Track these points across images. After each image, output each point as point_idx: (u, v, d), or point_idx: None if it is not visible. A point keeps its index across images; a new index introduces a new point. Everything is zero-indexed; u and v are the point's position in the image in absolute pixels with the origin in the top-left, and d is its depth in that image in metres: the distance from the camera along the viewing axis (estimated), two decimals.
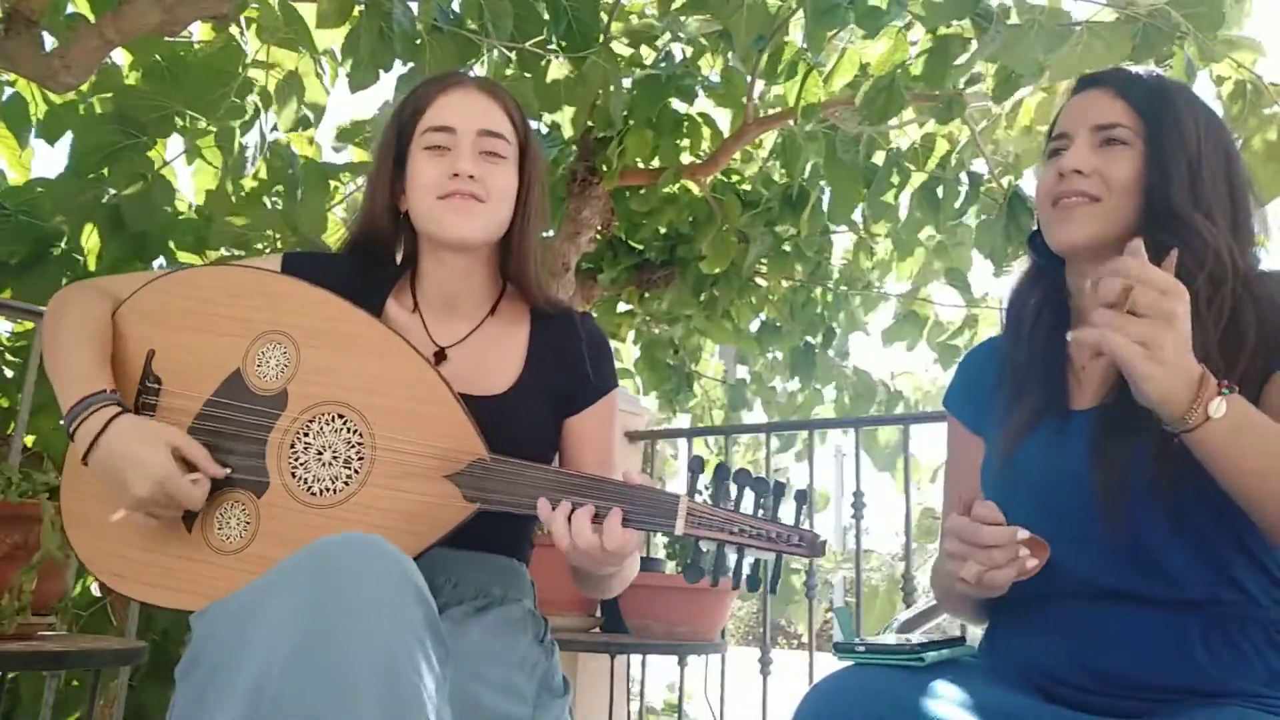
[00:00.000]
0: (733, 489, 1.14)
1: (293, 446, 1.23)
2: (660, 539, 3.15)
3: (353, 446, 1.22)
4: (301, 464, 1.22)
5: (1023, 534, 1.05)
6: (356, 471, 1.21)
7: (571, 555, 1.15)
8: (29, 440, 2.06)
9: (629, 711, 3.24)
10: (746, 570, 1.14)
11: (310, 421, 1.23)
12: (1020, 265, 1.37)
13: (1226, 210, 1.18)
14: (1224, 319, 1.11)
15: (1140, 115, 1.20)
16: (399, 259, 1.43)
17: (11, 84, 2.89)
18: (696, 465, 1.17)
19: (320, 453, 1.22)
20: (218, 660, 0.97)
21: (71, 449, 1.28)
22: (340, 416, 1.23)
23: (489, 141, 1.34)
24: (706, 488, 1.15)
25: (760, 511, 1.13)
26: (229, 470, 1.22)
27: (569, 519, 1.13)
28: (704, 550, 1.13)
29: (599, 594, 1.41)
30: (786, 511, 1.14)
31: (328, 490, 1.21)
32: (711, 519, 1.12)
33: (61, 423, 1.23)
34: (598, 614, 2.70)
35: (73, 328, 1.28)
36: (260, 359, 1.27)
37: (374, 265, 1.41)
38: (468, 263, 1.38)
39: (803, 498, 1.15)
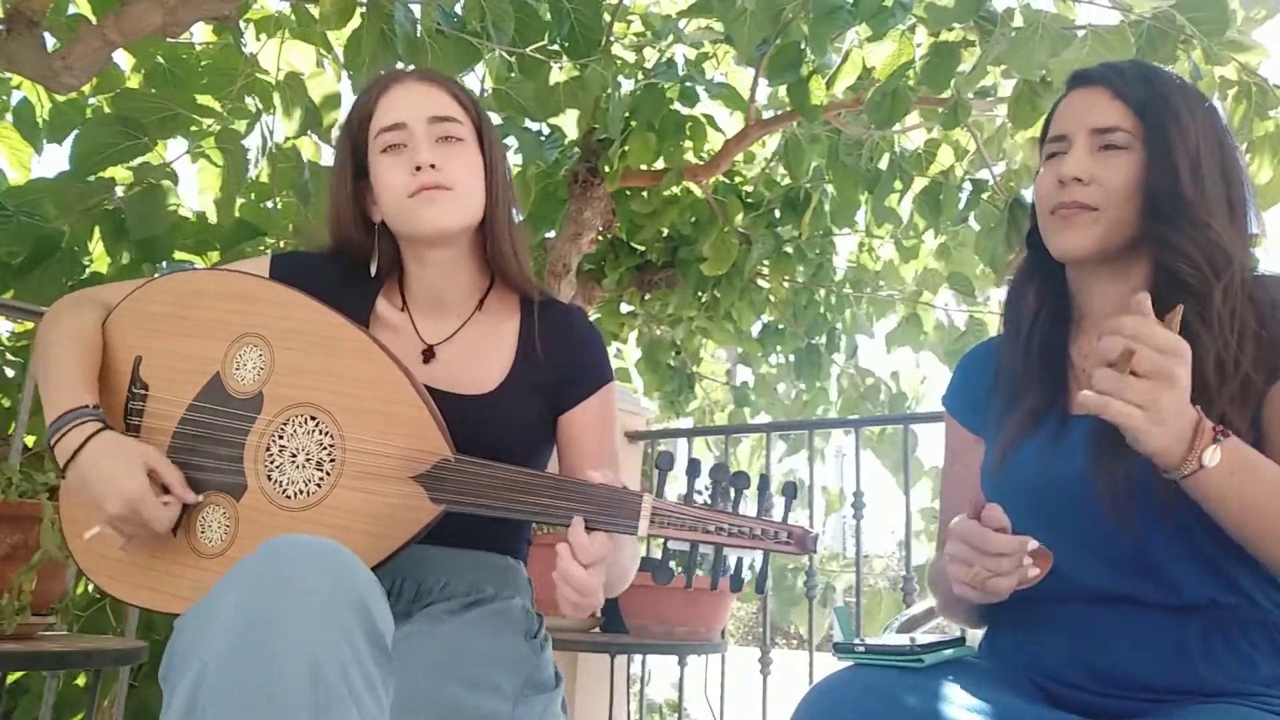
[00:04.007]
0: (710, 485, 1.10)
1: (268, 450, 1.22)
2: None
3: (324, 449, 1.21)
4: (277, 467, 1.22)
5: (1031, 544, 1.04)
6: (328, 474, 1.20)
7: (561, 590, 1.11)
8: (29, 440, 2.06)
9: (629, 711, 3.24)
10: (730, 569, 1.10)
11: (285, 424, 1.23)
12: (1018, 264, 1.35)
13: (1225, 207, 1.16)
14: (1238, 320, 1.10)
15: (1138, 116, 1.18)
16: (373, 270, 1.40)
17: (18, 87, 2.90)
18: (665, 463, 1.13)
19: (294, 455, 1.22)
20: (178, 661, 0.96)
21: None
22: (313, 419, 1.22)
23: (442, 127, 1.32)
24: (706, 488, 1.11)
25: (747, 508, 1.10)
26: (200, 499, 1.22)
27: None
28: (679, 550, 1.10)
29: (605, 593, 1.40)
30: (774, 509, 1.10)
31: (301, 493, 1.20)
32: (682, 518, 1.09)
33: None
34: (598, 614, 2.70)
35: (63, 340, 1.28)
36: (238, 362, 1.26)
37: (355, 270, 1.40)
38: (450, 257, 1.37)
39: (792, 491, 1.11)
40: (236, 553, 1.20)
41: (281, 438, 1.22)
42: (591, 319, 4.33)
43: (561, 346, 1.39)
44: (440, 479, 1.18)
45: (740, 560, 1.11)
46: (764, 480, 1.12)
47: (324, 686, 0.88)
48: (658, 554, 1.16)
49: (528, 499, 1.15)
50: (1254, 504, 1.00)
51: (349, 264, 1.39)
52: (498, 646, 1.23)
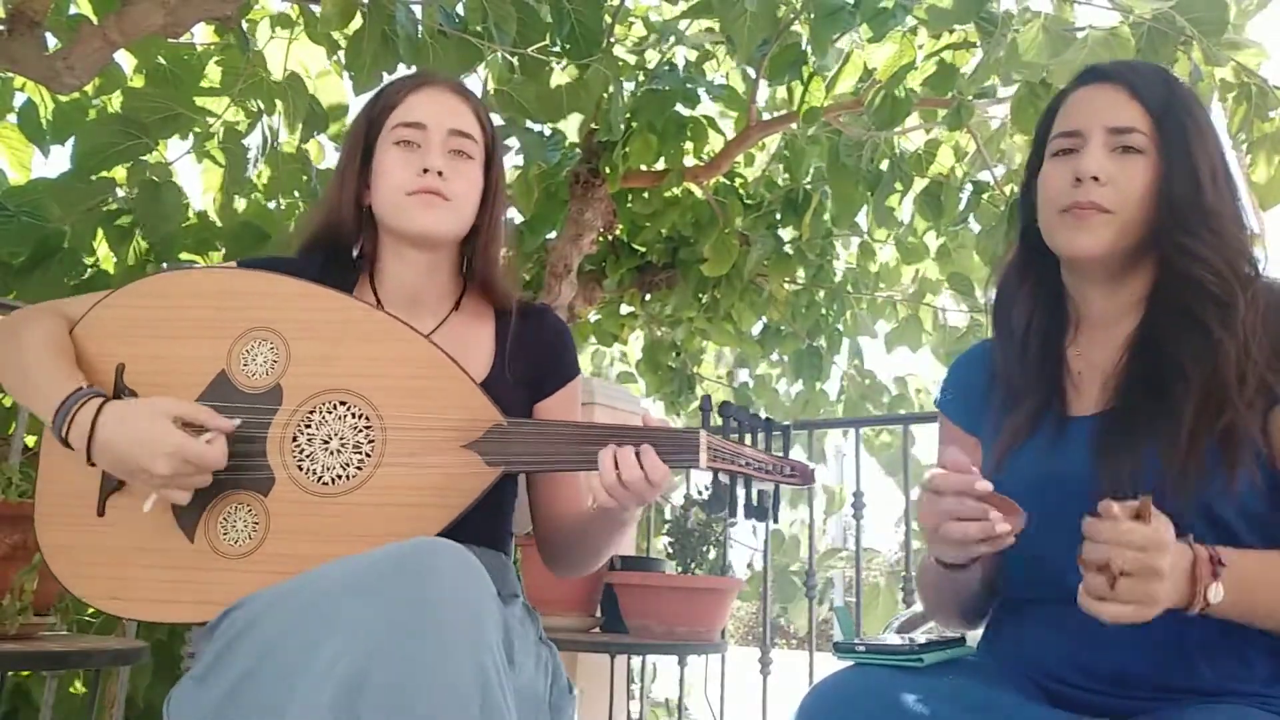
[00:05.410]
0: (734, 424, 1.20)
1: (295, 440, 1.22)
2: (661, 540, 3.15)
3: (360, 431, 1.21)
4: (307, 455, 1.21)
5: (982, 484, 1.04)
6: (368, 455, 1.20)
7: (614, 494, 1.16)
8: (29, 440, 2.06)
9: (629, 712, 3.24)
10: (755, 500, 1.18)
11: (311, 413, 1.22)
12: (1008, 261, 1.32)
13: (1235, 215, 1.16)
14: (1257, 329, 1.10)
15: (1155, 120, 1.16)
16: (355, 254, 1.42)
17: (21, 88, 2.90)
18: (707, 404, 1.21)
19: (326, 442, 1.21)
20: (277, 646, 0.98)
21: (40, 477, 1.27)
22: (343, 403, 1.22)
23: (458, 141, 1.35)
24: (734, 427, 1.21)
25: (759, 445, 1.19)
26: (239, 422, 1.20)
27: (614, 458, 1.16)
28: (723, 482, 1.18)
29: (594, 560, 1.42)
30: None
31: (340, 478, 1.20)
32: (726, 452, 1.17)
33: (51, 431, 1.19)
34: (598, 614, 2.70)
35: (31, 345, 1.24)
36: (246, 357, 1.25)
37: (331, 265, 1.40)
38: (430, 260, 1.38)
39: (787, 431, 1.21)
40: (273, 547, 1.18)
41: (309, 426, 1.22)
42: (592, 320, 4.33)
43: (538, 344, 1.43)
44: (494, 443, 1.21)
45: (761, 493, 1.19)
46: (769, 421, 1.20)
47: (489, 690, 0.93)
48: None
49: (591, 449, 1.18)
50: (1272, 609, 1.04)
51: (319, 263, 1.39)
52: (529, 652, 1.24)
